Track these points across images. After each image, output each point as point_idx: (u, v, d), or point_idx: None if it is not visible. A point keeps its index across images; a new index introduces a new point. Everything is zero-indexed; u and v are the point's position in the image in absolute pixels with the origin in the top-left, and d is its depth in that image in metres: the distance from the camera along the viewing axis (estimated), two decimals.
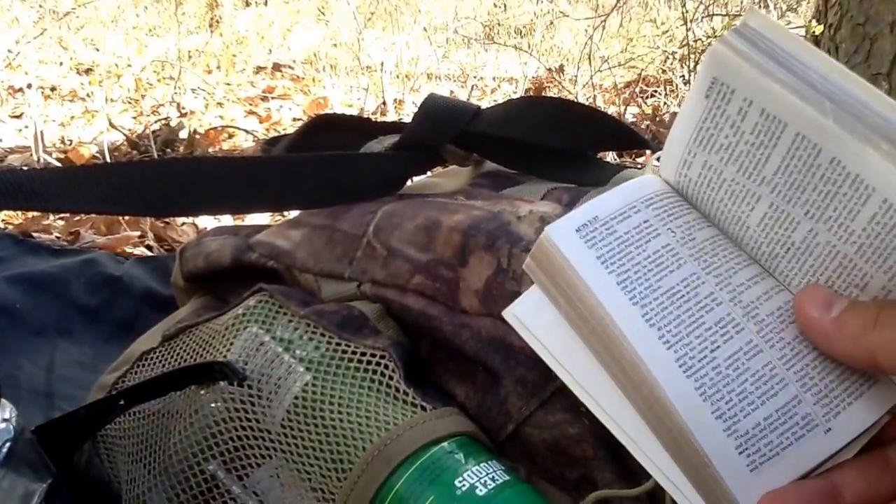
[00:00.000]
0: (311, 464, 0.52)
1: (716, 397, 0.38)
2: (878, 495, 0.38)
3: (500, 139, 0.73)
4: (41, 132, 1.84)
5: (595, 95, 2.98)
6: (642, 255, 0.41)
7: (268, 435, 0.54)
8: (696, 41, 3.04)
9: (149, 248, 1.35)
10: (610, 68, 3.23)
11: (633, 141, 0.80)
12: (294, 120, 2.61)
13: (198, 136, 2.11)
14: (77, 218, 1.44)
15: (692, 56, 3.00)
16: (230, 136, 2.25)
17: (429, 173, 0.81)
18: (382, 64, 2.79)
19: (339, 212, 0.66)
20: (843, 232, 0.38)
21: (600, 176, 0.71)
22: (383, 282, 0.60)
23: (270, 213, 1.42)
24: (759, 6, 3.62)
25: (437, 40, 3.67)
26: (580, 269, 0.41)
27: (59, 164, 1.78)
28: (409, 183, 0.75)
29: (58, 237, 1.36)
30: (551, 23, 4.19)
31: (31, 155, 1.79)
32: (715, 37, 2.99)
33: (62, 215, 1.46)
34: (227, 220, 1.46)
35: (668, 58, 3.32)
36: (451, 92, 3.14)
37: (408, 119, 0.74)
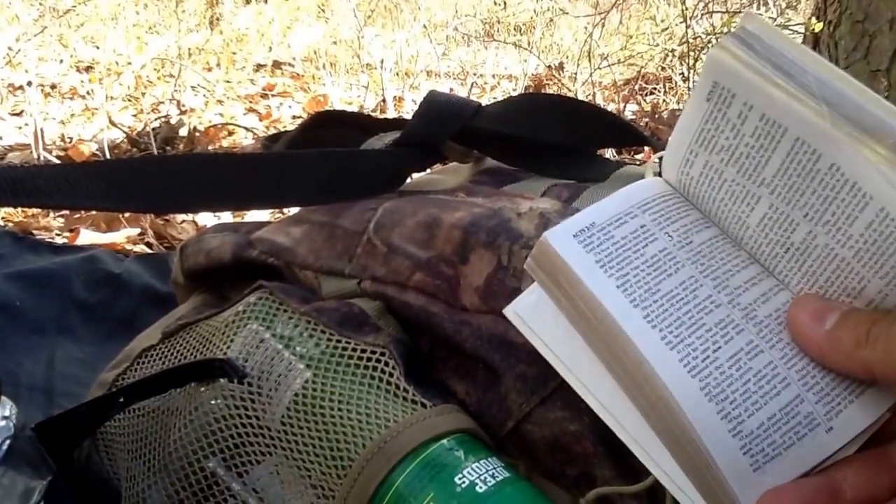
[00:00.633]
0: (311, 461, 0.52)
1: (720, 397, 0.38)
2: (878, 491, 0.38)
3: (501, 136, 0.73)
4: (41, 130, 1.84)
5: (595, 93, 2.98)
6: (640, 260, 0.42)
7: (268, 432, 0.54)
8: (695, 38, 3.04)
9: (149, 245, 1.36)
10: (609, 66, 3.23)
11: (633, 138, 0.80)
12: (294, 117, 2.61)
13: (198, 134, 2.11)
14: (77, 215, 1.44)
15: (692, 53, 2.99)
16: (230, 134, 2.25)
17: (429, 170, 0.81)
18: (382, 61, 2.79)
19: (340, 209, 0.66)
20: (841, 236, 0.38)
21: (600, 172, 0.71)
22: (384, 279, 0.60)
23: (270, 210, 1.42)
24: (759, 4, 3.62)
25: (437, 38, 3.67)
26: (580, 272, 0.41)
27: (59, 162, 1.78)
28: (409, 180, 0.75)
29: (58, 234, 1.36)
30: (551, 20, 4.19)
31: (31, 153, 1.79)
32: (715, 34, 2.99)
33: (62, 212, 1.46)
34: (227, 217, 1.46)
35: (667, 55, 3.32)
36: (451, 89, 3.13)
37: (408, 116, 0.74)
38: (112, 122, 2.10)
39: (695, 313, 0.40)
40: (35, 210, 1.44)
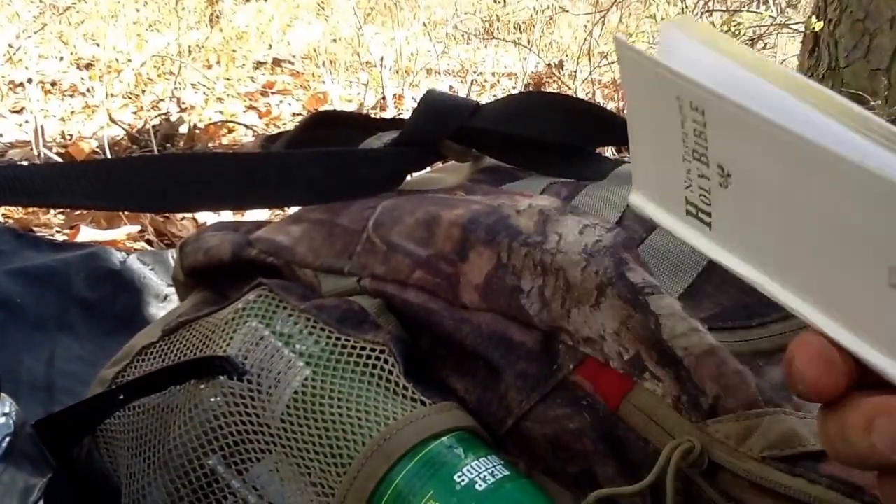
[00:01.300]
0: (310, 458, 0.52)
1: None
2: None
3: (500, 135, 0.73)
4: (41, 127, 1.84)
5: (594, 91, 2.98)
6: None
7: (267, 429, 0.54)
8: None
9: (149, 242, 1.35)
10: (609, 64, 3.23)
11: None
12: (294, 115, 2.61)
13: (198, 131, 2.11)
14: (77, 212, 1.44)
15: None
16: (230, 131, 2.25)
17: (428, 169, 0.81)
18: (382, 59, 2.79)
19: (339, 207, 0.66)
20: None
21: (599, 171, 0.71)
22: (383, 276, 0.60)
23: (270, 209, 1.42)
24: (759, 3, 3.61)
25: (436, 36, 3.66)
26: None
27: (59, 159, 1.78)
28: (408, 179, 0.75)
29: (58, 231, 1.36)
30: (551, 18, 4.19)
31: (32, 150, 1.79)
32: None
33: (62, 210, 1.46)
34: (226, 215, 1.46)
35: None
36: (451, 87, 3.13)
37: (407, 115, 0.74)
38: (112, 120, 2.10)
39: None
40: (35, 207, 1.44)
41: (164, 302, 1.05)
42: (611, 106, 2.88)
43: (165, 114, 2.25)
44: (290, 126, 2.28)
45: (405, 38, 3.34)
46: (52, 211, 1.46)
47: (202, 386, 0.57)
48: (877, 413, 0.33)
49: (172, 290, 1.04)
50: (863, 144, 0.35)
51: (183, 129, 2.08)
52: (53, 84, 2.70)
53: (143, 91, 2.64)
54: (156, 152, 1.85)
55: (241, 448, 0.55)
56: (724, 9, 3.26)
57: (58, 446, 0.57)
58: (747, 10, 3.27)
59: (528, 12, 4.35)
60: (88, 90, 2.60)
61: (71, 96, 2.60)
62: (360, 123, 0.79)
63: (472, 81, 3.09)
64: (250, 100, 2.78)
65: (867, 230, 0.35)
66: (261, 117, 2.55)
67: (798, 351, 0.36)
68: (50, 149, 1.85)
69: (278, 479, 0.53)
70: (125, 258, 1.11)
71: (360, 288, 0.61)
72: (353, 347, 0.55)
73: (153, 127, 2.03)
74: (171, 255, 1.13)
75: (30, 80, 2.34)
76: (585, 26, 3.51)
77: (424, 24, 3.55)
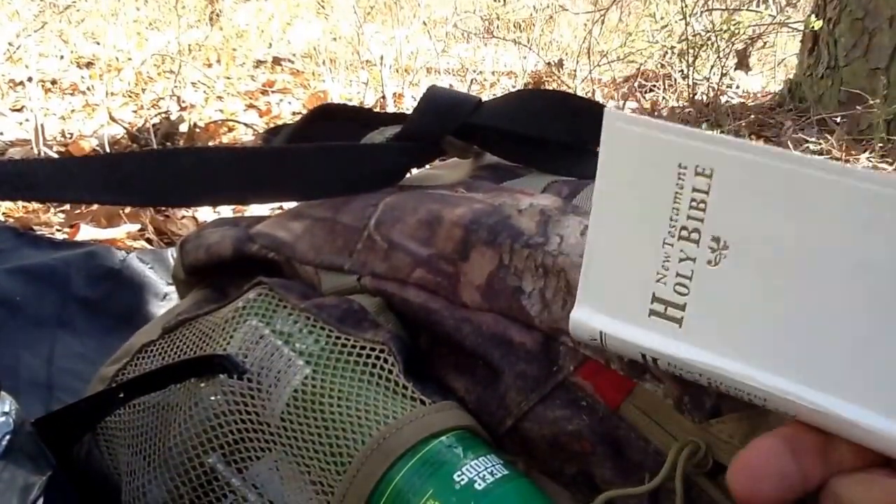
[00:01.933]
0: (310, 457, 0.52)
1: None
2: None
3: (501, 131, 0.73)
4: (42, 125, 1.84)
5: (594, 90, 2.98)
6: None
7: (267, 428, 0.54)
8: (695, 35, 3.03)
9: (149, 241, 1.35)
10: (609, 63, 3.23)
11: None
12: (294, 114, 2.61)
13: (198, 130, 2.11)
14: (77, 211, 1.44)
15: (691, 51, 2.99)
16: (230, 130, 2.25)
17: (428, 165, 0.81)
18: (382, 58, 2.79)
19: (341, 204, 0.66)
20: None
21: None
22: (384, 275, 0.60)
23: (271, 204, 1.42)
24: (758, 2, 3.62)
25: (436, 34, 3.66)
26: None
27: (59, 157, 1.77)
28: (409, 175, 0.75)
29: (58, 230, 1.36)
30: (551, 17, 4.19)
31: (32, 148, 1.79)
32: (714, 31, 2.99)
33: (63, 208, 1.46)
34: (226, 212, 1.46)
35: (666, 52, 3.32)
36: (451, 86, 3.13)
37: (409, 112, 0.74)
38: (112, 118, 2.10)
39: None
40: (35, 205, 1.44)
41: (163, 300, 1.06)
42: (610, 105, 2.88)
43: (165, 112, 2.25)
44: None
45: (405, 36, 3.34)
46: (51, 209, 1.46)
47: (202, 384, 0.56)
48: None
49: (172, 288, 1.05)
50: None
51: (183, 127, 2.08)
52: (54, 82, 2.70)
53: (144, 90, 2.64)
54: (157, 148, 1.85)
55: (240, 446, 0.55)
56: (723, 7, 3.26)
57: (58, 444, 0.56)
58: (747, 9, 3.27)
59: (528, 11, 4.36)
60: (89, 89, 2.60)
61: (71, 95, 2.60)
62: (362, 118, 0.79)
63: (472, 80, 3.09)
64: (250, 98, 2.78)
65: None
66: (261, 116, 2.55)
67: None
68: (50, 147, 1.85)
69: (278, 477, 0.53)
70: (125, 257, 1.11)
71: (360, 286, 0.61)
72: (353, 346, 0.55)
73: (153, 125, 2.03)
74: (171, 254, 1.13)
75: (30, 79, 2.34)
76: (585, 25, 3.51)
77: (424, 23, 3.55)
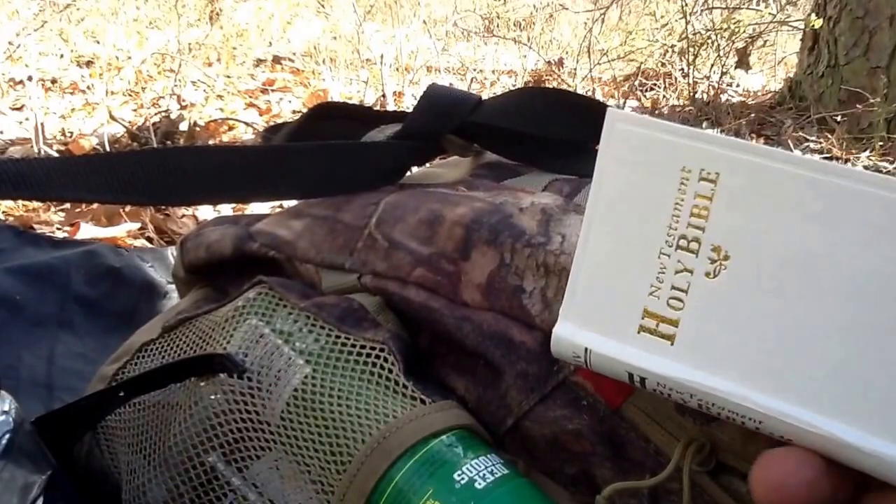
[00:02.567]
0: (310, 456, 0.52)
1: None
2: None
3: (502, 130, 0.73)
4: (42, 124, 1.84)
5: (594, 88, 2.98)
6: None
7: (267, 427, 0.54)
8: (695, 34, 3.03)
9: (149, 239, 1.35)
10: (609, 61, 3.23)
11: None
12: (294, 112, 2.60)
13: (198, 129, 2.11)
14: (77, 209, 1.44)
15: (691, 49, 2.99)
16: (230, 129, 2.25)
17: (428, 164, 0.81)
18: (382, 57, 2.79)
19: (341, 202, 0.66)
20: None
21: None
22: (384, 274, 0.60)
23: (272, 203, 1.42)
24: (758, 1, 3.61)
25: (436, 33, 3.66)
26: None
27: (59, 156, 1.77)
28: (409, 173, 0.75)
29: (58, 228, 1.36)
30: (551, 16, 4.19)
31: (32, 147, 1.79)
32: (714, 30, 2.99)
33: (63, 207, 1.46)
34: (226, 211, 1.46)
35: (667, 51, 3.32)
36: (451, 84, 3.13)
37: (409, 110, 0.74)
38: (112, 117, 2.10)
39: None
40: (35, 204, 1.44)
41: (163, 299, 1.06)
42: (611, 103, 2.88)
43: (165, 111, 2.25)
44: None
45: (405, 35, 3.34)
46: (52, 208, 1.46)
47: (202, 383, 0.56)
48: None
49: (172, 287, 1.05)
50: None
51: (183, 126, 2.08)
52: (54, 81, 2.70)
53: (144, 88, 2.64)
54: (157, 147, 1.85)
55: (240, 445, 0.54)
56: (723, 6, 3.26)
57: (58, 443, 0.57)
58: (747, 8, 3.27)
59: (528, 10, 4.36)
60: (89, 87, 2.60)
61: (71, 94, 2.60)
62: (362, 116, 0.79)
63: (472, 79, 3.09)
64: (250, 97, 2.78)
65: None
66: (261, 115, 2.55)
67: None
68: (50, 146, 1.85)
69: (278, 476, 0.53)
70: (125, 255, 1.11)
71: (360, 285, 0.61)
72: (353, 346, 0.55)
73: (153, 124, 2.03)
74: (171, 253, 1.13)
75: (30, 78, 2.34)
76: (585, 23, 3.51)
77: (424, 22, 3.55)
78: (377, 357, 0.54)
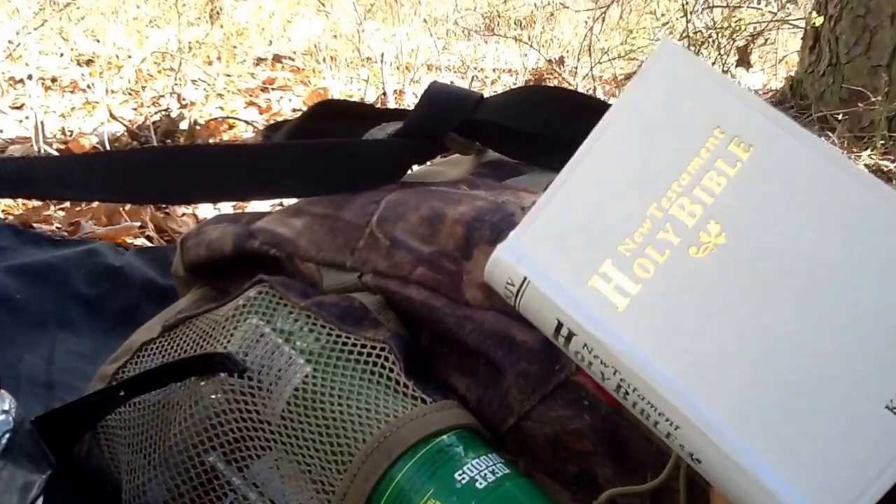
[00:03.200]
0: (310, 456, 0.52)
1: None
2: None
3: (504, 127, 0.72)
4: (42, 123, 1.83)
5: (595, 87, 2.97)
6: None
7: (268, 426, 0.54)
8: (696, 33, 3.03)
9: (149, 238, 1.35)
10: (610, 60, 3.22)
11: None
12: (294, 111, 2.60)
13: (198, 127, 2.10)
14: (77, 208, 1.44)
15: (692, 48, 2.99)
16: (230, 127, 2.24)
17: (428, 162, 0.81)
18: (382, 55, 2.78)
19: (342, 201, 0.66)
20: None
21: None
22: (385, 272, 0.59)
23: (273, 201, 1.42)
24: None
25: (437, 32, 3.66)
26: None
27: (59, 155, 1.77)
28: (410, 171, 0.75)
29: (58, 228, 1.36)
30: (552, 14, 4.18)
31: (32, 146, 1.78)
32: (715, 28, 2.99)
33: (63, 206, 1.46)
34: (226, 209, 1.45)
35: None
36: (452, 83, 3.12)
37: (410, 108, 0.74)
38: (112, 116, 2.09)
39: None
40: (35, 203, 1.43)
41: (164, 298, 1.05)
42: (612, 102, 2.87)
43: (166, 110, 2.24)
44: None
45: (406, 34, 3.33)
46: (52, 207, 1.46)
47: (202, 383, 0.56)
48: None
49: (173, 285, 1.04)
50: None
51: (183, 125, 2.08)
52: (53, 80, 2.69)
53: (144, 87, 2.63)
54: (158, 146, 1.85)
55: (241, 445, 0.54)
56: (724, 4, 3.26)
57: (58, 443, 0.56)
58: (748, 6, 3.27)
59: (529, 8, 4.35)
60: (89, 86, 2.60)
61: (71, 92, 2.59)
62: (363, 113, 0.79)
63: (473, 77, 3.09)
64: (251, 96, 2.77)
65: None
66: (261, 113, 2.54)
67: None
68: (50, 145, 1.85)
69: (278, 476, 0.53)
70: (125, 254, 1.11)
71: (361, 283, 0.61)
72: (354, 345, 0.55)
73: (153, 123, 2.03)
74: (172, 252, 1.13)
75: (30, 77, 2.34)
76: (586, 22, 3.51)
77: (425, 20, 3.55)
78: (378, 356, 0.54)
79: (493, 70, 3.47)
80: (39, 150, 1.77)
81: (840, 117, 2.33)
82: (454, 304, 0.56)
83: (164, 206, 1.44)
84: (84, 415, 0.60)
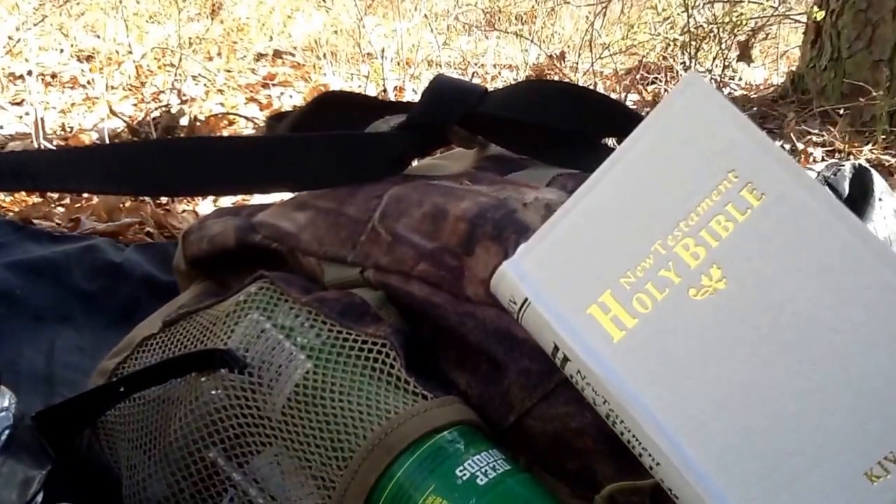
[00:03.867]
0: (311, 452, 0.52)
1: None
2: None
3: (507, 122, 0.72)
4: (42, 119, 1.83)
5: (596, 82, 2.97)
6: None
7: (268, 422, 0.54)
8: (697, 28, 3.03)
9: (149, 234, 1.35)
10: (611, 55, 3.22)
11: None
12: (295, 107, 2.60)
13: (198, 123, 2.10)
14: (77, 204, 1.44)
15: (693, 43, 2.99)
16: (231, 123, 2.24)
17: (429, 158, 0.81)
18: (383, 51, 2.78)
19: (345, 195, 0.66)
20: None
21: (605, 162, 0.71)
22: (387, 268, 0.59)
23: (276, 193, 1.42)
24: None
25: (437, 27, 3.66)
26: None
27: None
28: (413, 164, 0.75)
29: (58, 223, 1.36)
30: (552, 9, 4.18)
31: (32, 142, 1.78)
32: (717, 23, 2.99)
33: (63, 202, 1.46)
34: (225, 203, 1.45)
35: (669, 45, 3.31)
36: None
37: (413, 102, 0.74)
38: (112, 112, 2.09)
39: None
40: (36, 199, 1.43)
41: (164, 294, 1.05)
42: (612, 97, 2.87)
43: (166, 106, 2.24)
44: None
45: (406, 29, 3.33)
46: (52, 203, 1.46)
47: (203, 378, 0.56)
48: None
49: (173, 281, 1.04)
50: None
51: (183, 121, 2.07)
52: (54, 76, 2.69)
53: (144, 83, 2.63)
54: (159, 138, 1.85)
55: (241, 441, 0.54)
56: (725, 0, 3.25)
57: (58, 438, 0.56)
58: (749, 1, 3.26)
59: (530, 3, 4.35)
60: (89, 82, 2.60)
61: (71, 88, 2.59)
62: (367, 105, 0.78)
63: (474, 73, 3.08)
64: (251, 92, 2.77)
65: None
66: (262, 109, 2.54)
67: None
68: (50, 141, 1.85)
69: (279, 472, 0.53)
70: (125, 250, 1.11)
71: (362, 279, 0.60)
72: (355, 341, 0.55)
73: (154, 119, 2.03)
74: (172, 248, 1.13)
75: (30, 72, 2.34)
76: (587, 17, 3.50)
77: (426, 16, 3.54)
78: (379, 352, 0.54)
79: (494, 66, 3.47)
80: (39, 146, 1.77)
81: (841, 112, 2.33)
82: (456, 301, 0.56)
83: (164, 201, 1.44)
84: (84, 410, 0.60)
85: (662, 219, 0.37)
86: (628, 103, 2.73)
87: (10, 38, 2.69)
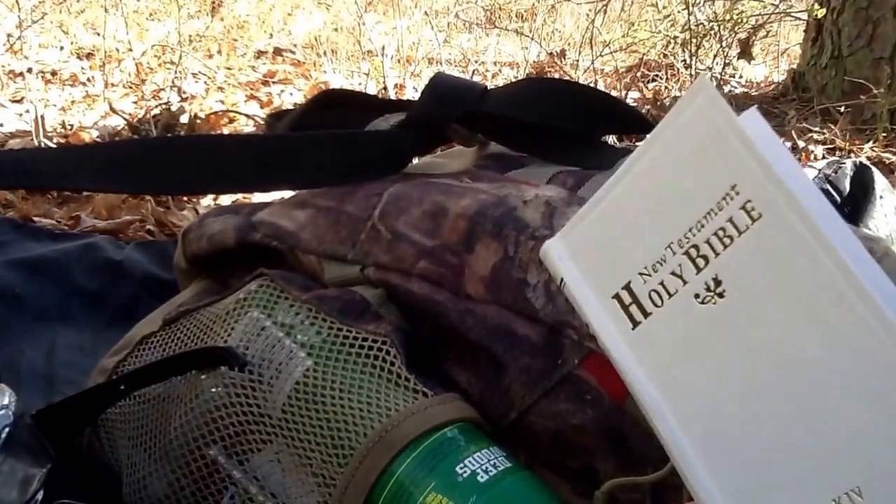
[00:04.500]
0: (311, 449, 0.52)
1: None
2: None
3: (507, 120, 0.72)
4: (42, 117, 1.83)
5: (596, 80, 2.97)
6: None
7: (269, 420, 0.54)
8: (697, 25, 3.02)
9: (149, 232, 1.35)
10: (611, 53, 3.22)
11: (639, 125, 0.79)
12: (295, 105, 2.60)
13: (199, 121, 2.10)
14: (78, 202, 1.44)
15: (694, 40, 2.98)
16: (231, 121, 2.24)
17: (429, 156, 0.81)
18: (383, 48, 2.78)
19: (345, 193, 0.66)
20: None
21: (605, 160, 0.71)
22: (387, 265, 0.59)
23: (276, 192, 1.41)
24: None
25: (438, 25, 3.65)
26: None
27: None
28: (413, 162, 0.75)
29: (58, 222, 1.36)
30: (553, 7, 4.18)
31: (32, 140, 1.78)
32: (717, 21, 2.99)
33: (62, 200, 1.46)
34: (225, 202, 1.45)
35: (669, 42, 3.31)
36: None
37: (414, 99, 0.74)
38: (113, 109, 2.09)
39: None
40: (36, 197, 1.43)
41: (164, 292, 1.05)
42: (613, 94, 2.87)
43: (166, 103, 2.24)
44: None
45: (406, 27, 3.33)
46: (52, 201, 1.46)
47: (203, 376, 0.56)
48: None
49: (173, 279, 1.04)
50: None
51: (184, 118, 2.07)
52: (53, 74, 2.69)
53: (144, 81, 2.63)
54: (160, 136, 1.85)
55: (242, 439, 0.54)
56: None
57: (58, 436, 0.56)
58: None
59: (531, 1, 4.35)
60: (89, 80, 2.60)
61: (71, 86, 2.59)
62: (367, 103, 0.78)
63: (474, 71, 3.08)
64: (251, 89, 2.77)
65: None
66: (262, 107, 2.54)
67: None
68: (50, 139, 1.85)
69: (279, 469, 0.53)
70: (125, 248, 1.11)
71: (363, 277, 0.60)
72: (355, 338, 0.55)
73: (154, 117, 2.02)
74: (172, 246, 1.13)
75: (30, 70, 2.34)
76: (588, 15, 3.50)
77: (426, 13, 3.54)
78: (379, 350, 0.54)
79: (495, 63, 3.47)
80: (39, 144, 1.77)
81: (842, 110, 2.33)
82: (456, 298, 0.56)
83: (165, 199, 1.44)
84: (84, 409, 0.60)
85: (675, 222, 0.38)
86: (629, 101, 2.73)
87: (9, 35, 2.68)
